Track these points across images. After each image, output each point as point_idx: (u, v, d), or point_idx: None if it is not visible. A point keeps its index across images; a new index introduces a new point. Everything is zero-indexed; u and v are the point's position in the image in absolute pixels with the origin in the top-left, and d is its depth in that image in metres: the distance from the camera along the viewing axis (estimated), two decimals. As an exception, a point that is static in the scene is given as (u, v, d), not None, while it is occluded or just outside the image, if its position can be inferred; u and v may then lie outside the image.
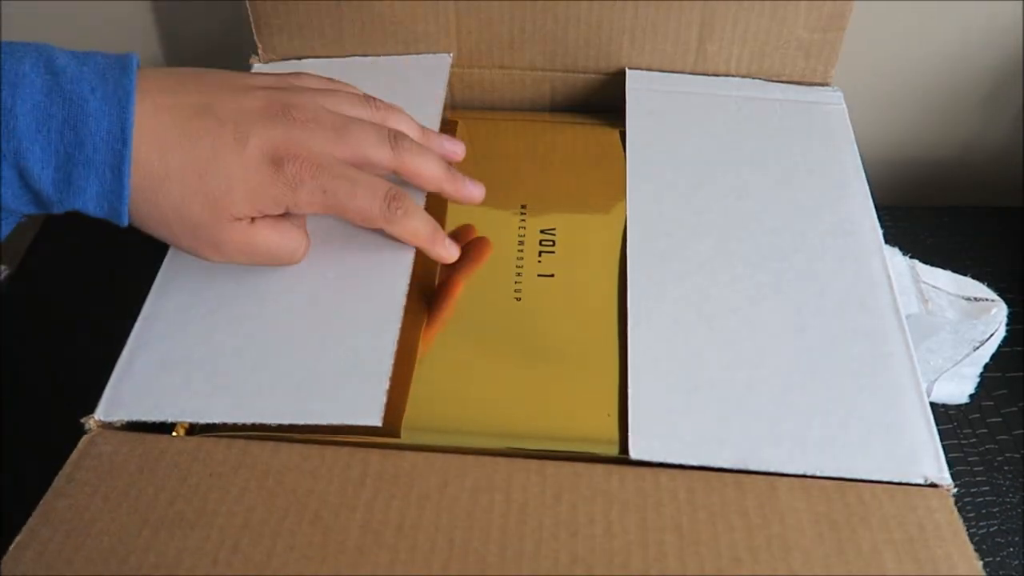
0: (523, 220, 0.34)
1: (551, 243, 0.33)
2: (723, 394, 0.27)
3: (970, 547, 0.23)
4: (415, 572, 0.22)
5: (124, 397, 0.26)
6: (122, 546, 0.22)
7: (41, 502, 0.23)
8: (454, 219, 0.34)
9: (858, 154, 0.34)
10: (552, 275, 0.32)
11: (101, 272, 0.46)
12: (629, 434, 0.26)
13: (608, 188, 0.35)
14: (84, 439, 0.25)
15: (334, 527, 0.23)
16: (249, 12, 0.37)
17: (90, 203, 0.24)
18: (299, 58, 0.39)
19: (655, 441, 0.26)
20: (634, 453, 0.25)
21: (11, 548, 0.22)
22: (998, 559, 0.35)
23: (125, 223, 0.26)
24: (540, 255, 0.32)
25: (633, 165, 0.34)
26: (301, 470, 0.25)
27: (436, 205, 0.34)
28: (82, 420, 0.26)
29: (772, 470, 0.25)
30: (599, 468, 0.25)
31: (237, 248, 0.27)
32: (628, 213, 0.32)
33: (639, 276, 0.30)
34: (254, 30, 0.37)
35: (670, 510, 0.24)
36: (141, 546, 0.23)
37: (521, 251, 0.32)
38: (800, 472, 0.25)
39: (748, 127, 0.35)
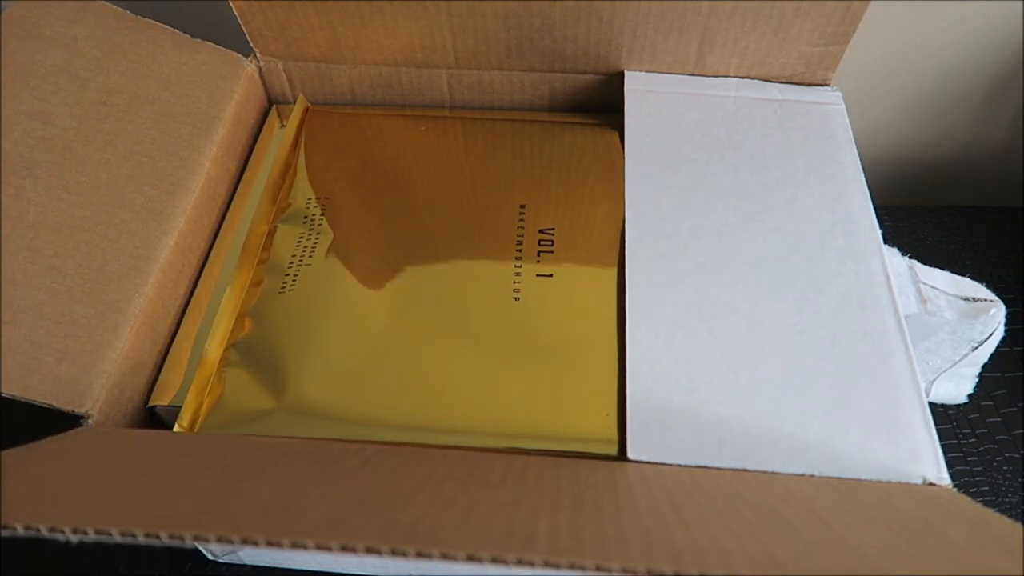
0: (522, 220, 0.34)
1: (550, 243, 0.33)
2: (722, 395, 0.27)
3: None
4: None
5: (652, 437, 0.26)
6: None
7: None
8: (454, 214, 0.34)
9: (858, 154, 0.34)
10: (551, 275, 0.32)
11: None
12: (627, 435, 0.26)
13: (607, 188, 0.35)
14: (76, 430, 0.25)
15: (329, 513, 0.23)
16: (237, 17, 0.37)
17: None
18: (297, 60, 0.39)
19: (653, 442, 0.26)
20: (632, 454, 0.25)
21: None
22: (997, 559, 0.35)
23: None
24: (539, 255, 0.32)
25: (632, 166, 0.34)
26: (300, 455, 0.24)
27: (426, 206, 0.35)
28: (80, 412, 0.26)
29: (771, 470, 0.25)
30: (599, 467, 0.25)
31: None
32: (627, 214, 0.32)
33: (638, 277, 0.30)
34: (247, 34, 0.37)
35: (670, 507, 0.24)
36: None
37: (520, 251, 0.32)
38: (799, 472, 0.25)
39: (747, 127, 0.35)
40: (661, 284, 0.30)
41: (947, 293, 0.32)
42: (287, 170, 0.37)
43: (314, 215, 0.34)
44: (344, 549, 0.15)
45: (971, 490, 0.37)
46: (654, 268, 0.30)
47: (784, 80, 0.38)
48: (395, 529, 0.17)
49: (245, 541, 0.15)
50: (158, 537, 0.16)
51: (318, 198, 0.35)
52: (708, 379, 0.27)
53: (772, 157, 0.34)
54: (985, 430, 0.39)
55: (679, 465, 0.25)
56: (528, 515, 0.18)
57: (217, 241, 0.35)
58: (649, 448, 0.26)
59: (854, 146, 0.35)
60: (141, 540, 0.16)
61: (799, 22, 0.34)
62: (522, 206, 0.34)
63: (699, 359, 0.28)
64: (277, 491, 0.20)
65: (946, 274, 0.33)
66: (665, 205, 0.32)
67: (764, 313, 0.29)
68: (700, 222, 0.32)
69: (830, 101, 0.37)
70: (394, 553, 0.15)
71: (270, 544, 0.15)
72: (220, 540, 0.16)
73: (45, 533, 0.16)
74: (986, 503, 0.37)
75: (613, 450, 0.27)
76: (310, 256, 0.33)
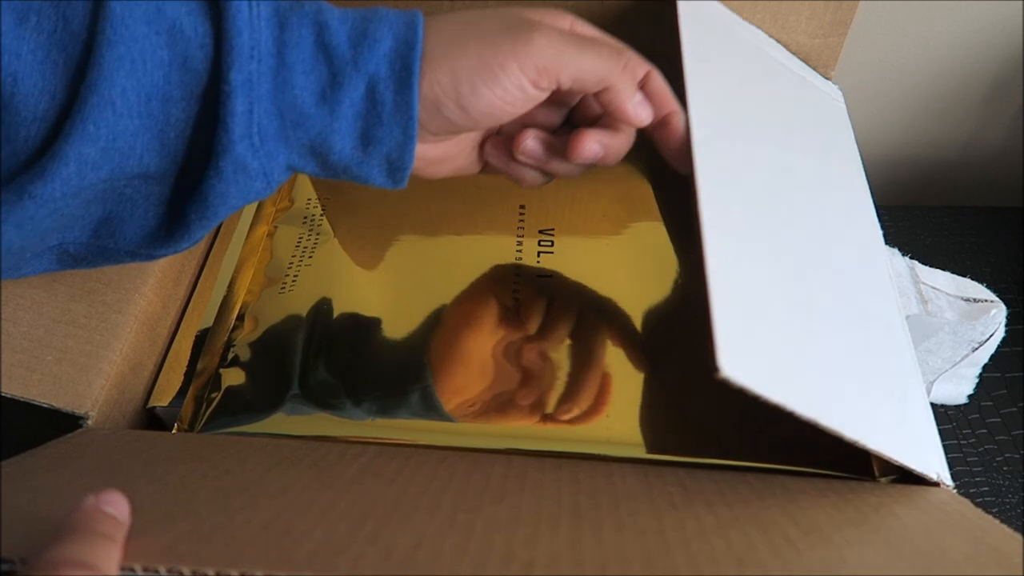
0: (522, 220, 0.34)
1: (550, 243, 0.33)
2: None
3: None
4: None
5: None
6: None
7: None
8: (454, 215, 0.34)
9: (858, 154, 0.34)
10: (551, 275, 0.32)
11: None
12: (717, 351, 0.20)
13: (608, 188, 0.35)
14: (77, 432, 0.25)
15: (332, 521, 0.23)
16: None
17: (382, 63, 0.23)
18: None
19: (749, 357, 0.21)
20: (726, 371, 0.19)
21: None
22: (997, 559, 0.35)
23: (415, 73, 0.23)
24: (539, 255, 0.32)
25: (693, 80, 0.28)
26: (302, 456, 0.24)
27: (434, 197, 0.34)
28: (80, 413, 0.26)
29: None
30: (599, 467, 0.25)
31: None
32: (694, 122, 0.27)
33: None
34: None
35: (672, 506, 0.24)
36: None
37: (520, 251, 0.32)
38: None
39: (774, 91, 0.33)
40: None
41: (948, 294, 0.32)
42: (287, 170, 0.37)
43: (314, 215, 0.34)
44: None
45: (971, 490, 0.37)
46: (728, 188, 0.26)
47: (784, 80, 0.37)
48: (394, 556, 0.17)
49: None
50: (157, 572, 0.17)
51: (318, 198, 0.35)
52: None
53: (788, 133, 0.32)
54: (985, 430, 0.39)
55: (684, 463, 0.25)
56: (528, 535, 0.19)
57: (217, 241, 0.35)
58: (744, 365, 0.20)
59: (855, 146, 0.35)
60: (140, 574, 0.17)
61: (797, 7, 0.34)
62: (522, 206, 0.34)
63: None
64: (275, 506, 0.20)
65: (947, 275, 0.33)
66: (728, 136, 0.28)
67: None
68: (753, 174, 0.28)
69: (831, 97, 0.37)
70: None
71: None
72: (219, 575, 0.16)
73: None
74: (986, 503, 0.37)
75: (614, 451, 0.27)
76: (310, 256, 0.33)
